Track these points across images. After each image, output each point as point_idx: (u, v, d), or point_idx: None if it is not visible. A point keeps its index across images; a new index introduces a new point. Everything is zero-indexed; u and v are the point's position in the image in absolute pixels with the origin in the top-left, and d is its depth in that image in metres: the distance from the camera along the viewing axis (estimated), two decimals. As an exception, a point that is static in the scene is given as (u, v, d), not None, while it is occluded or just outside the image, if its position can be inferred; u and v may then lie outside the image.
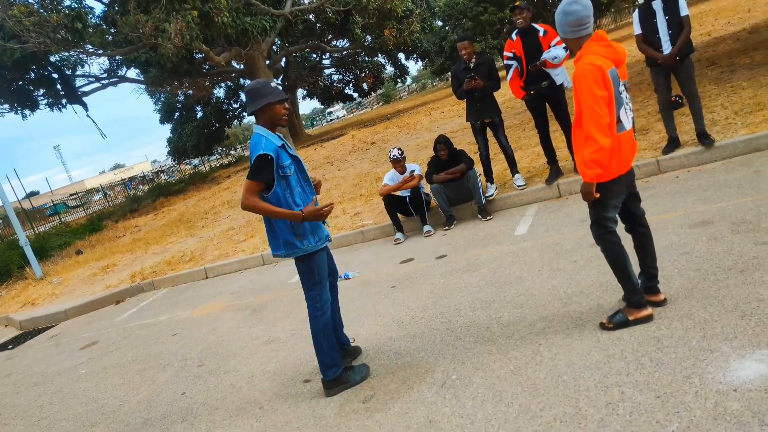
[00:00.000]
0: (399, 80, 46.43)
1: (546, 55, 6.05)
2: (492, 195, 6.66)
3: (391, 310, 4.67)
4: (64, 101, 21.88)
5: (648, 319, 3.16)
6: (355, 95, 46.62)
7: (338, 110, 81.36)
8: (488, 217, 6.45)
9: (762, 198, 4.33)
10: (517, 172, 6.72)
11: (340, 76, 44.78)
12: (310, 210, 3.37)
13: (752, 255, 3.50)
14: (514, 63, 6.31)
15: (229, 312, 6.18)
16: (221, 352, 4.96)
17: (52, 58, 21.27)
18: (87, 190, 53.11)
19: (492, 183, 6.76)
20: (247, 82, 30.62)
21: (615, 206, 3.21)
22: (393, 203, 6.80)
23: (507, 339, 3.49)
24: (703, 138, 5.73)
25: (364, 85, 44.09)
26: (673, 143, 5.98)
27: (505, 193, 6.71)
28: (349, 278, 5.95)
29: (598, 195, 3.12)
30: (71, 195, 51.64)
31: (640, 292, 3.22)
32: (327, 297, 3.60)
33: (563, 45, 6.28)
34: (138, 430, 3.88)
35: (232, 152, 65.23)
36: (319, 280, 3.54)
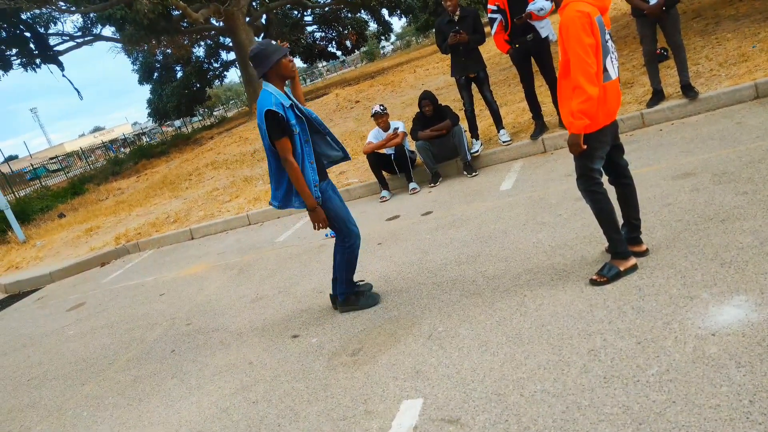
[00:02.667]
0: (383, 37, 45.56)
1: (531, 7, 5.92)
2: (477, 151, 6.64)
3: (377, 266, 4.70)
4: (38, 61, 21.20)
5: (634, 268, 3.21)
6: (339, 53, 45.74)
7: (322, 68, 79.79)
8: (474, 174, 6.45)
9: (743, 149, 4.37)
10: (503, 128, 6.69)
11: (323, 34, 43.71)
12: (319, 213, 3.67)
13: (732, 205, 3.55)
14: (498, 16, 6.19)
15: (216, 272, 6.18)
16: (209, 310, 4.98)
17: (24, 16, 20.51)
18: (67, 154, 52.13)
19: (477, 139, 6.73)
20: (227, 40, 29.88)
21: (601, 157, 3.21)
22: (377, 161, 6.76)
23: (492, 291, 3.54)
24: (688, 90, 5.72)
25: (348, 43, 43.25)
26: (657, 96, 5.97)
27: (490, 149, 6.69)
28: (335, 236, 5.94)
29: (585, 146, 3.11)
30: (51, 159, 50.71)
31: (626, 243, 3.26)
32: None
33: (549, -4, 6.18)
34: (128, 388, 3.91)
35: (215, 113, 64.11)
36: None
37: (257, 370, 3.58)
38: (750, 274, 2.79)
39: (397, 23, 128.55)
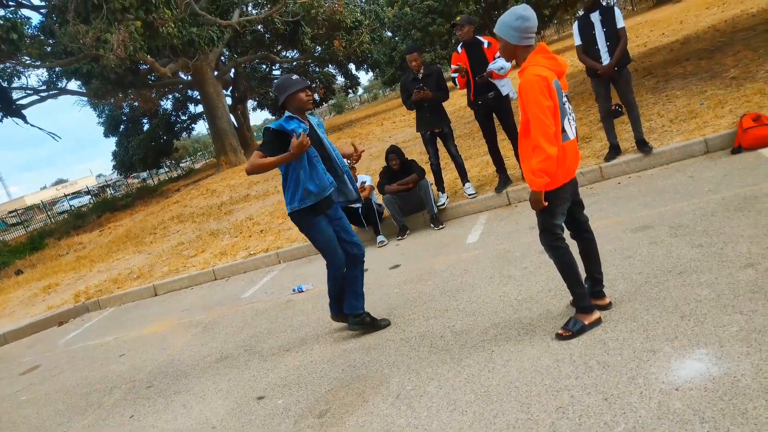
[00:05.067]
0: (350, 91, 46.51)
1: (492, 66, 6.17)
2: (443, 204, 6.73)
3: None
4: (0, 114, 20.90)
5: (598, 322, 3.25)
6: (307, 106, 46.31)
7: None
8: (440, 226, 6.52)
9: (696, 202, 4.54)
10: (468, 181, 6.83)
11: (290, 84, 44.45)
12: (294, 143, 3.81)
13: (689, 257, 3.66)
14: (459, 74, 6.40)
15: (180, 330, 6.02)
16: (171, 371, 4.82)
17: (-13, 70, 20.34)
18: (27, 207, 50.67)
19: (443, 192, 6.84)
20: (195, 93, 30.06)
21: (562, 213, 3.30)
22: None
23: (461, 347, 3.52)
24: (642, 145, 5.96)
25: (316, 96, 43.94)
26: (614, 150, 6.21)
27: (456, 202, 6.80)
28: (303, 291, 5.89)
29: (546, 203, 3.19)
30: (10, 212, 49.26)
31: (589, 297, 3.32)
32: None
33: (507, 56, 6.43)
34: (83, 458, 3.72)
35: (182, 164, 63.63)
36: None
37: (221, 435, 3.45)
38: (709, 326, 2.86)
39: (365, 77, 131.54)
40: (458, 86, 6.38)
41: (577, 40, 6.04)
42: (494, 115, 6.48)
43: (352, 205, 6.80)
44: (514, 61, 6.67)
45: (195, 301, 7.05)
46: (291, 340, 4.61)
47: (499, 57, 6.30)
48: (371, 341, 4.09)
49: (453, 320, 3.96)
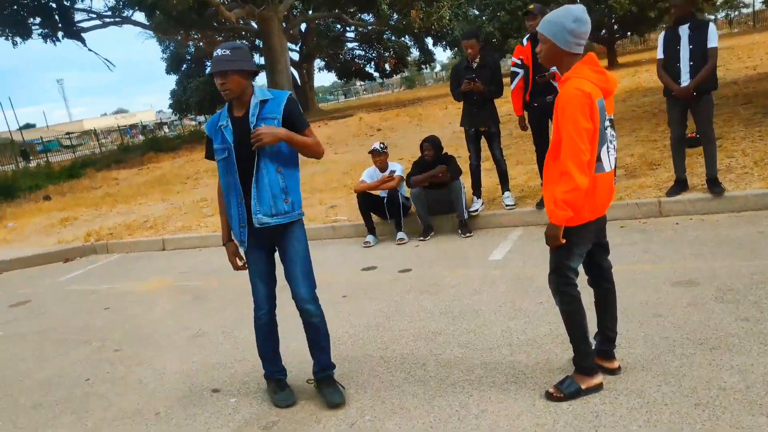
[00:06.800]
0: (424, 66, 45.86)
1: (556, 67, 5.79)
2: (477, 210, 6.41)
3: (332, 323, 4.42)
4: (60, 34, 21.62)
5: (598, 388, 2.94)
6: (376, 75, 46.04)
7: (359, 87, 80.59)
8: (468, 234, 6.21)
9: (758, 265, 4.09)
10: (508, 190, 6.48)
11: (363, 53, 44.13)
12: (230, 250, 3.41)
13: (729, 331, 3.27)
14: (521, 72, 6.04)
15: (171, 293, 6.00)
16: (144, 338, 4.78)
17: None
18: (84, 131, 52.64)
19: (479, 197, 6.52)
20: (261, 44, 30.31)
21: (580, 255, 2.97)
22: (368, 202, 6.58)
23: (439, 383, 3.28)
24: (713, 185, 5.47)
25: (387, 66, 43.58)
26: (680, 185, 5.73)
27: (491, 211, 6.47)
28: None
29: (564, 240, 2.87)
30: (67, 134, 51.52)
31: (593, 356, 3.00)
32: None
33: (578, 58, 6.01)
34: (24, 415, 3.70)
35: (242, 114, 64.23)
36: None
37: (161, 423, 3.35)
38: (724, 425, 2.51)
39: (443, 54, 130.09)
40: (512, 85, 6.01)
41: (659, 53, 5.56)
42: (549, 123, 6.08)
43: (378, 193, 6.64)
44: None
45: (197, 264, 7.04)
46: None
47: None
48: (350, 351, 3.90)
49: (442, 348, 3.70)
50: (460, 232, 6.31)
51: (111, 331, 5.07)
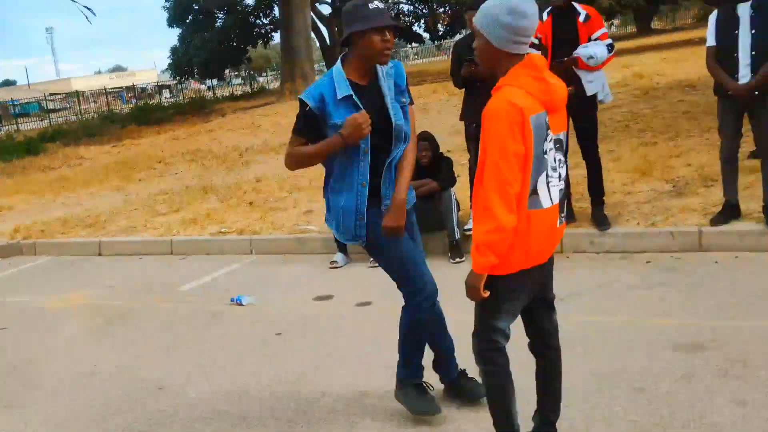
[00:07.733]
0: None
1: (580, 51, 5.77)
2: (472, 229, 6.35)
3: (248, 369, 4.51)
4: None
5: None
6: (426, 35, 45.76)
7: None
8: (458, 260, 6.18)
9: (793, 329, 3.96)
10: (513, 203, 6.40)
11: (412, 8, 43.76)
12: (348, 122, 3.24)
13: (712, 419, 3.18)
14: (538, 53, 5.95)
15: (86, 314, 6.17)
16: (27, 375, 4.91)
17: None
18: (68, 93, 53.57)
19: (477, 212, 6.46)
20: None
21: (511, 313, 2.93)
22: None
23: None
24: (771, 214, 5.34)
25: (439, 25, 43.24)
26: (729, 211, 5.58)
27: (491, 230, 6.41)
28: (241, 304, 5.81)
29: (486, 293, 2.83)
30: (51, 94, 52.58)
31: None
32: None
33: (608, 41, 5.92)
34: None
35: (260, 79, 64.76)
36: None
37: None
38: None
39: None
40: None
41: (710, 40, 5.42)
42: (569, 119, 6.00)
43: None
44: (614, 51, 6.19)
45: (129, 276, 7.25)
46: (170, 375, 4.54)
47: (594, 40, 5.85)
48: (246, 409, 3.93)
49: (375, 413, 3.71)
50: (449, 255, 6.28)
51: (-4, 360, 5.25)
